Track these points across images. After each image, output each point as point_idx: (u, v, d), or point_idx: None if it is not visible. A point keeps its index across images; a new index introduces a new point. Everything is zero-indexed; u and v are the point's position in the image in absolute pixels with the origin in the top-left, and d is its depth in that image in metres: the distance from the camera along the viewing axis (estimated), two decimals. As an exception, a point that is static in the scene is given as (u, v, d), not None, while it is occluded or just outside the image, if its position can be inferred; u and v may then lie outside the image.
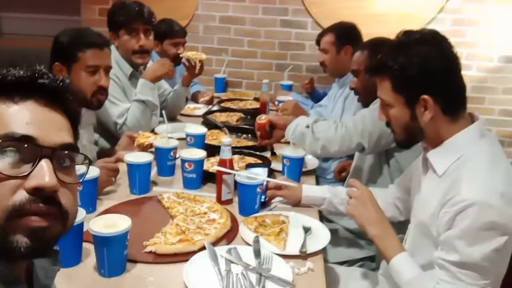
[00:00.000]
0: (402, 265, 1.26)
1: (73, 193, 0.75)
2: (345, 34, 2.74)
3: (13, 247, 0.66)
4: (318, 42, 2.92)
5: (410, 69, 1.23)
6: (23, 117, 0.70)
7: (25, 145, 0.68)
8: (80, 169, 0.80)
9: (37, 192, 0.67)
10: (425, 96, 1.23)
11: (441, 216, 1.17)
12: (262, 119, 2.01)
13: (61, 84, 0.75)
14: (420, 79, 1.23)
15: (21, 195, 0.67)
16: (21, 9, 4.75)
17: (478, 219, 1.10)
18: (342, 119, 2.03)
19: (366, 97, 2.02)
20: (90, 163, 0.80)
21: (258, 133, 2.04)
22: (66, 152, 0.73)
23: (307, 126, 1.90)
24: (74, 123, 0.79)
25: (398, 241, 1.32)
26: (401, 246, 1.31)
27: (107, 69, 1.84)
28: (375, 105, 1.88)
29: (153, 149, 1.91)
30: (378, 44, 1.97)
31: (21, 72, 0.72)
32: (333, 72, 2.82)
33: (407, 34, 1.30)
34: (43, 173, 0.67)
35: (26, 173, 0.67)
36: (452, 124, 1.25)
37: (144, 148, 1.94)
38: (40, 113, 0.72)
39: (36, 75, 0.73)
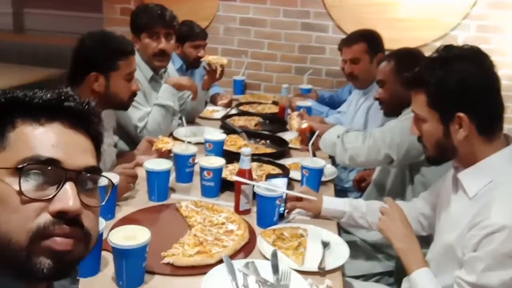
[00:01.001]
0: (423, 279, 1.26)
1: (96, 215, 0.75)
2: (376, 41, 2.65)
3: (36, 269, 0.66)
4: (339, 50, 2.81)
5: (447, 85, 1.20)
6: (49, 139, 0.70)
7: (50, 168, 0.68)
8: (102, 181, 0.81)
9: (61, 215, 0.67)
10: (461, 114, 1.19)
11: (468, 238, 1.15)
12: (303, 124, 2.01)
13: (86, 106, 0.76)
14: (457, 95, 1.20)
15: (45, 218, 0.67)
16: (44, 5, 4.80)
17: (504, 245, 1.07)
18: (367, 129, 2.00)
19: (390, 108, 1.99)
20: (113, 185, 0.80)
21: (300, 138, 2.06)
22: (90, 175, 0.73)
23: (338, 136, 1.89)
24: (97, 144, 0.79)
25: (422, 257, 1.32)
26: (424, 262, 1.30)
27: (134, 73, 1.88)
28: (404, 116, 1.85)
29: (171, 155, 1.90)
30: (405, 54, 1.94)
31: (48, 95, 0.72)
32: (364, 82, 2.66)
33: (447, 48, 1.26)
34: (67, 197, 0.68)
35: (50, 196, 0.68)
36: (487, 145, 1.21)
37: (162, 153, 1.94)
38: (65, 136, 0.72)
39: (63, 97, 0.73)
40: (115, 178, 1.54)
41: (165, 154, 1.93)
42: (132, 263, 1.17)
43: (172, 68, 2.72)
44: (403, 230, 1.36)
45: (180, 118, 2.25)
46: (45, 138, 0.70)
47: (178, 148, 1.87)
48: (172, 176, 1.83)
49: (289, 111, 2.82)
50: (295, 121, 2.52)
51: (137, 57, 2.33)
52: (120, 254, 1.16)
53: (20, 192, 0.66)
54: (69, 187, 0.68)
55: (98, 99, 1.60)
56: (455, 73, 1.19)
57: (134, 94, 1.87)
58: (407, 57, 1.92)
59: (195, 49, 3.02)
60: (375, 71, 2.54)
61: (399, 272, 1.65)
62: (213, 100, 3.22)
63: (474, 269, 1.11)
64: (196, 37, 3.03)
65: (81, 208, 0.69)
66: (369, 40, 2.64)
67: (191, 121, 2.66)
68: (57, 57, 4.18)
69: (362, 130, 2.00)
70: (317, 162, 1.84)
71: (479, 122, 1.20)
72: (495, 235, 1.08)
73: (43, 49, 4.53)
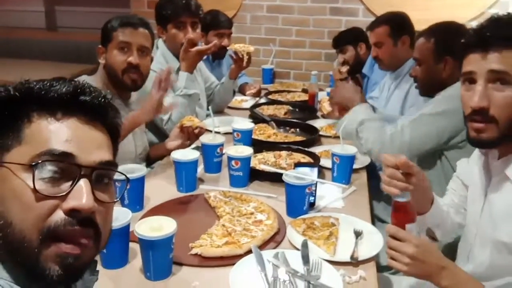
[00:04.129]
0: None
1: (109, 211, 0.75)
2: (400, 23, 2.58)
3: (46, 275, 0.66)
4: (364, 37, 2.82)
5: None
6: (63, 134, 0.69)
7: (64, 163, 0.68)
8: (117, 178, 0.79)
9: (74, 213, 0.67)
10: None
11: None
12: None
13: (102, 100, 0.74)
14: None
15: (58, 216, 0.66)
16: (74, 3, 4.89)
17: None
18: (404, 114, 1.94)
19: (426, 87, 1.92)
20: (128, 180, 0.78)
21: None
22: (105, 170, 0.73)
23: (356, 128, 1.84)
24: (114, 138, 0.78)
25: (474, 281, 1.11)
26: (478, 284, 1.10)
27: (142, 48, 1.83)
28: (436, 109, 1.76)
29: (199, 144, 1.88)
30: (446, 29, 1.84)
31: (63, 89, 0.71)
32: (390, 65, 2.61)
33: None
34: (81, 194, 0.67)
35: (64, 193, 0.67)
36: None
37: (188, 133, 1.89)
38: (80, 131, 0.71)
39: (78, 91, 0.72)
40: (143, 170, 1.53)
41: (192, 135, 1.89)
42: (158, 254, 1.15)
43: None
44: (438, 262, 1.10)
45: (208, 109, 2.21)
46: (59, 133, 0.69)
47: (205, 138, 1.84)
48: (201, 167, 1.82)
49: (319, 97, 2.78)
50: (326, 104, 2.46)
51: (163, 48, 2.34)
52: (147, 245, 1.15)
53: (34, 190, 0.66)
54: (83, 184, 0.68)
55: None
56: None
57: (130, 66, 1.80)
58: (448, 32, 1.82)
59: (219, 38, 2.97)
60: (401, 54, 2.50)
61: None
62: (242, 90, 3.18)
63: None
64: (220, 25, 2.98)
65: (95, 205, 0.69)
66: (392, 23, 2.58)
67: (219, 111, 2.64)
68: (88, 52, 4.23)
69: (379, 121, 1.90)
70: (348, 149, 1.77)
71: None
72: None
73: (74, 45, 4.62)
